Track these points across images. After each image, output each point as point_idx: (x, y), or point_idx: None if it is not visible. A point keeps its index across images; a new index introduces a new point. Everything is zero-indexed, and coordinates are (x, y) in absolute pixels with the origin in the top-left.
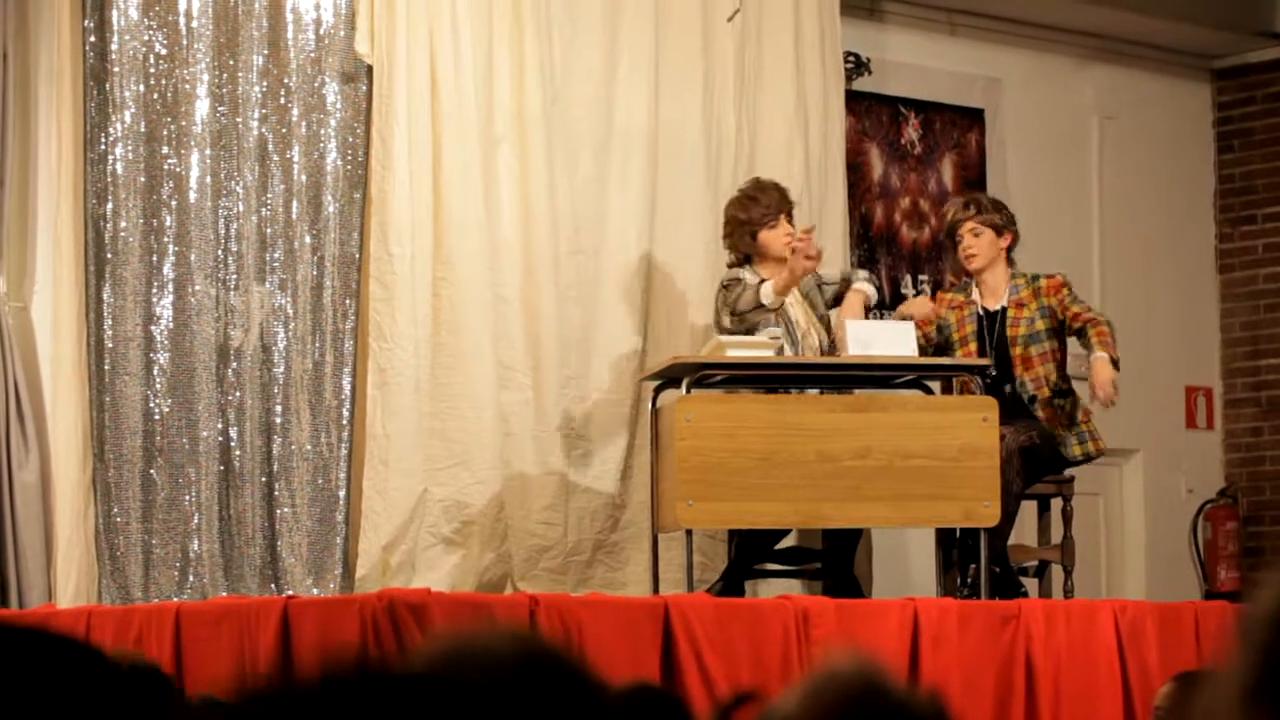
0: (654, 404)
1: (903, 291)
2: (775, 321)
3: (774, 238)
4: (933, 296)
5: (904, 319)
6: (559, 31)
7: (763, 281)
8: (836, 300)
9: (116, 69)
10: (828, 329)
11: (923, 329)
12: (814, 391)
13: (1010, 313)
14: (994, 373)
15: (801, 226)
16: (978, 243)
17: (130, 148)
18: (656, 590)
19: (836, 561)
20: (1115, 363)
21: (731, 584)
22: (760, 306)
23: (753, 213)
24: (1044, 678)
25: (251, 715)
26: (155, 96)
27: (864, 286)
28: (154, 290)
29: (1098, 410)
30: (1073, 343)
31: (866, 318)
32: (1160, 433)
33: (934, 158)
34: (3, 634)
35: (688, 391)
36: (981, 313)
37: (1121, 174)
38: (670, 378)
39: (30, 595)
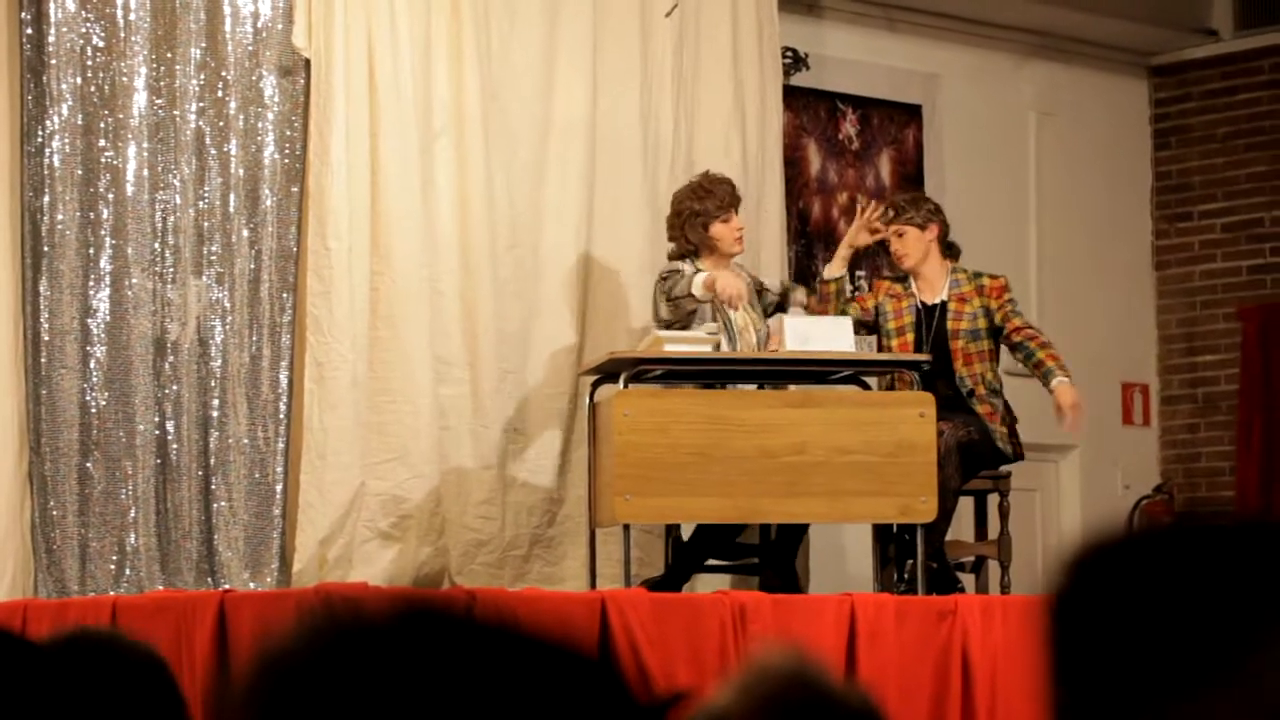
0: (591, 399)
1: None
2: (712, 317)
3: (725, 231)
4: (870, 287)
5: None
6: (497, 25)
7: (698, 272)
8: (773, 310)
9: (53, 61)
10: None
11: (861, 304)
12: (751, 387)
13: (952, 307)
14: (928, 367)
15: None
16: (903, 243)
17: (67, 140)
18: (594, 585)
19: (779, 556)
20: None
21: (673, 579)
22: (690, 295)
23: (707, 204)
24: (980, 673)
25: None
26: (92, 89)
27: (798, 316)
28: (91, 283)
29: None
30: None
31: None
32: (1097, 429)
33: (872, 153)
34: None
35: (625, 386)
36: (920, 306)
37: (1059, 171)
38: (608, 372)
39: None
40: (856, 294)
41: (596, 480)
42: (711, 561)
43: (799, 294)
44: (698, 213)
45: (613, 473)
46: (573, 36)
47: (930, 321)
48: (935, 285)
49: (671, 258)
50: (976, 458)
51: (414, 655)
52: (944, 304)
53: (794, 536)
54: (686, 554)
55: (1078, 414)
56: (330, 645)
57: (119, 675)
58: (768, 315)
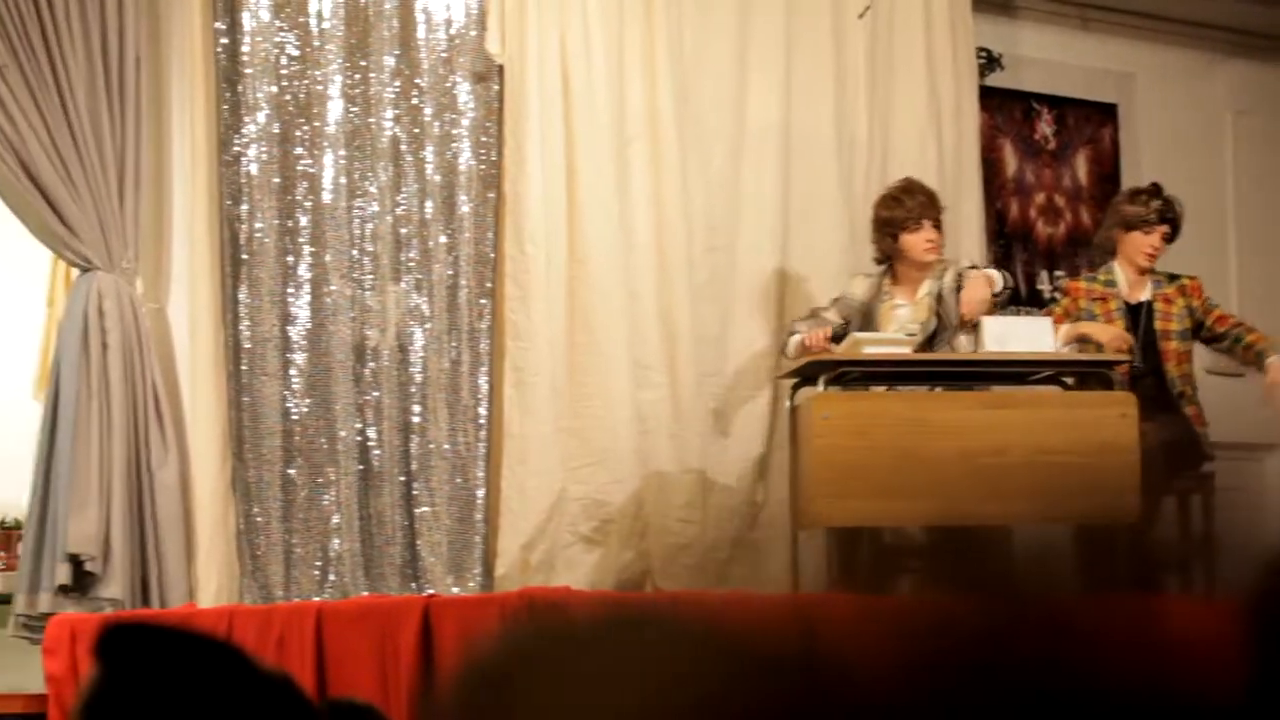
0: (791, 402)
1: (1038, 287)
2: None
3: (914, 241)
4: (1065, 291)
5: (1079, 340)
6: (689, 29)
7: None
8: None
9: (249, 70)
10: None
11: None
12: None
13: (1158, 306)
14: (1140, 366)
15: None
16: (1161, 243)
17: (264, 149)
18: (796, 588)
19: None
20: None
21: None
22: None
23: (896, 212)
24: None
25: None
26: (288, 98)
27: (988, 270)
28: (290, 291)
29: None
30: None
31: (993, 303)
32: None
33: (1068, 153)
34: (148, 634)
35: (825, 389)
36: (1125, 305)
37: (1257, 169)
38: (807, 375)
39: (171, 595)
40: (1054, 307)
41: (797, 483)
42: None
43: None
44: (887, 221)
45: (813, 475)
46: (765, 40)
47: (1137, 321)
48: (1140, 284)
49: (877, 261)
50: (1181, 458)
51: (618, 660)
52: (1149, 304)
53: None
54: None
55: None
56: (534, 652)
57: None
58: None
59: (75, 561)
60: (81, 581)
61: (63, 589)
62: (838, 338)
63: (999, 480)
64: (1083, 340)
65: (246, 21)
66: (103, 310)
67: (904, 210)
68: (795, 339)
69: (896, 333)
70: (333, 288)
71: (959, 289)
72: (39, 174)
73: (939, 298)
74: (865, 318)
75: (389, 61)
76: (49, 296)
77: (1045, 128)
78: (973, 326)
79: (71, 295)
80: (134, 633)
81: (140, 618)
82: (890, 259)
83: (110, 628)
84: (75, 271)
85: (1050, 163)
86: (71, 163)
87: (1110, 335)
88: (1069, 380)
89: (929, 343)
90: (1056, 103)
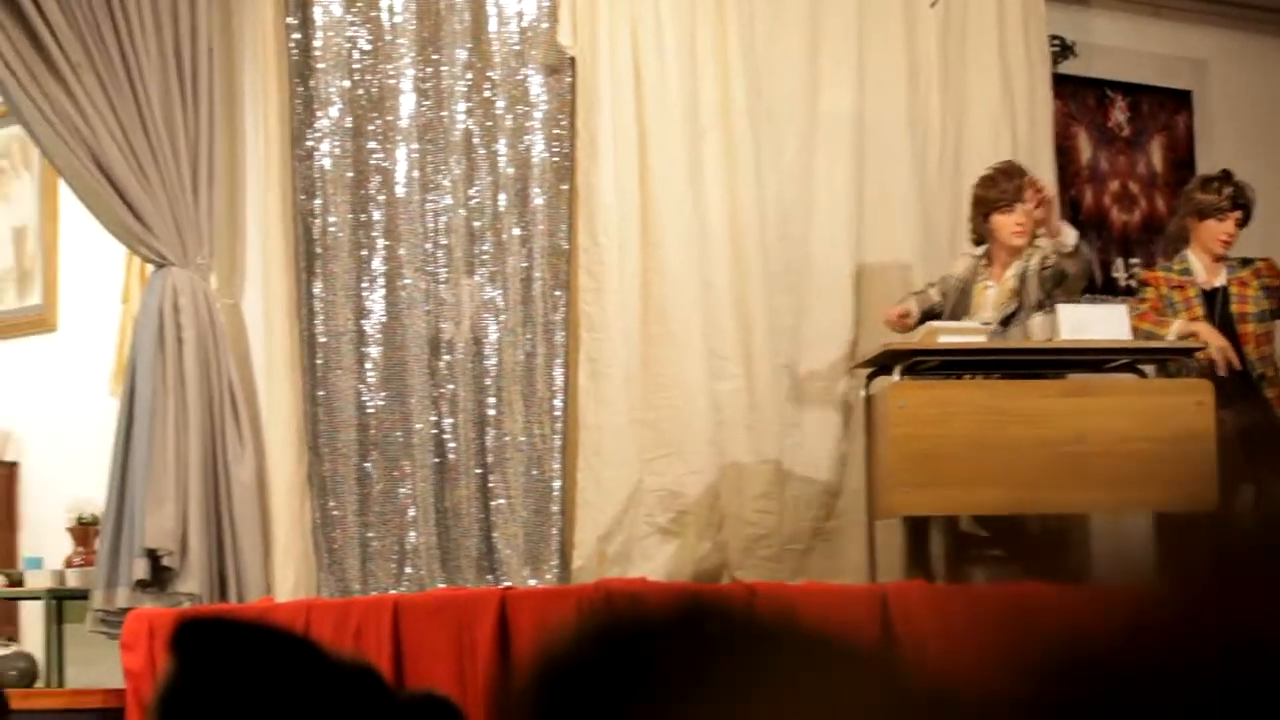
0: (867, 391)
1: (1113, 275)
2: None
3: (1004, 222)
4: (1143, 281)
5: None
6: (762, 20)
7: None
8: (1053, 283)
9: (321, 65)
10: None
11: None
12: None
13: (1234, 290)
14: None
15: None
16: (1235, 230)
17: (337, 143)
18: (874, 578)
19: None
20: None
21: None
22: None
23: (990, 193)
24: None
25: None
26: (360, 92)
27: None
28: (364, 285)
29: None
30: None
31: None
32: None
33: (1143, 140)
34: (222, 629)
35: (900, 378)
36: (1202, 291)
37: None
38: (883, 364)
39: (249, 590)
40: (1142, 301)
41: (874, 472)
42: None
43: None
44: (981, 200)
45: (890, 465)
46: (837, 30)
47: (1213, 307)
48: (1214, 271)
49: (973, 242)
50: (1262, 445)
51: (695, 653)
52: (1224, 289)
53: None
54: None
55: None
56: (611, 644)
57: None
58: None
59: (153, 557)
60: (159, 577)
61: (140, 584)
62: (935, 314)
63: (1076, 468)
64: (1189, 337)
65: (318, 16)
66: (178, 306)
67: (998, 191)
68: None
69: (982, 315)
70: (407, 281)
71: (1043, 269)
72: (113, 171)
73: (1022, 279)
74: (962, 296)
75: (461, 55)
76: (124, 293)
77: (1119, 115)
78: (1048, 306)
79: (147, 292)
80: (208, 628)
81: (216, 613)
82: (984, 239)
83: (185, 623)
84: (150, 268)
85: (1124, 150)
86: (145, 159)
87: (1219, 345)
88: (1146, 368)
89: (1006, 323)
90: (1130, 90)
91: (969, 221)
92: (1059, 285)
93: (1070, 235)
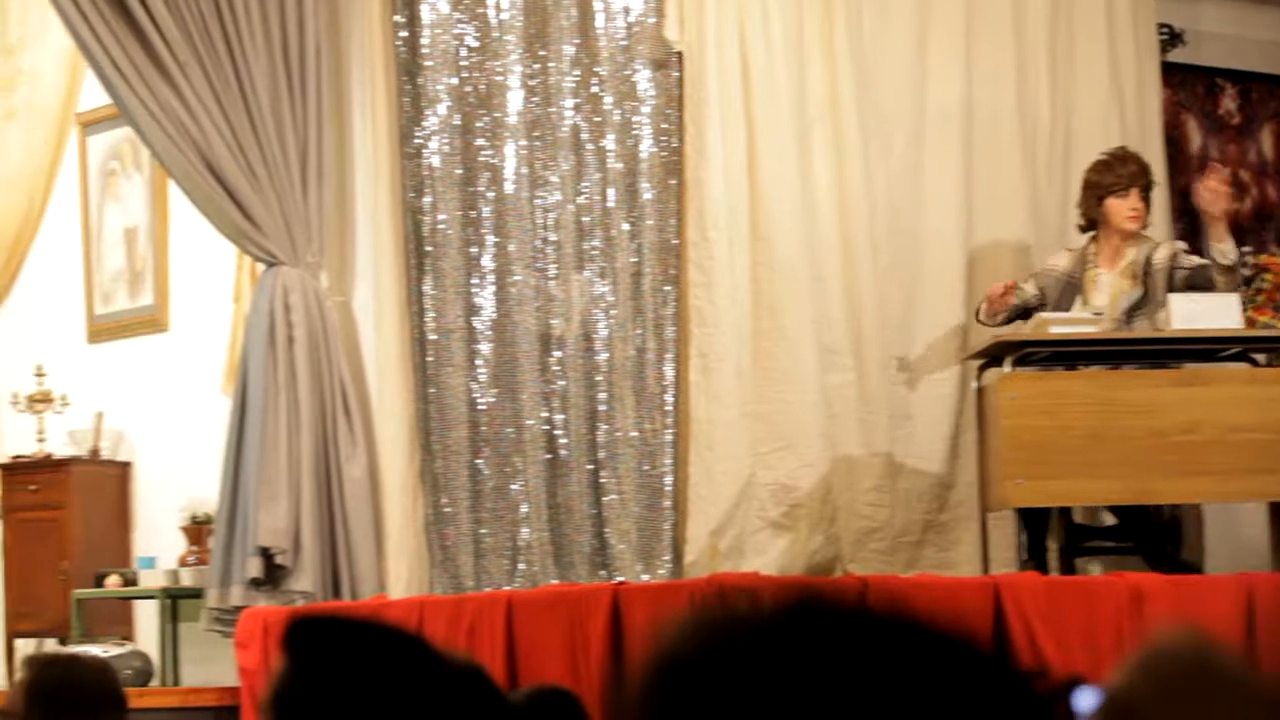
0: (978, 382)
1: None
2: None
3: (1119, 207)
4: (1265, 267)
5: None
6: (869, 12)
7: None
8: (1188, 285)
9: (429, 63)
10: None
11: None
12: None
13: None
14: None
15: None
16: None
17: (445, 140)
18: (986, 570)
19: (1148, 541)
20: None
21: (1063, 561)
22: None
23: (1105, 177)
24: None
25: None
26: (468, 89)
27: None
28: (474, 281)
29: None
30: None
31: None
32: None
33: (1253, 128)
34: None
35: (1011, 369)
36: None
37: None
38: (994, 356)
39: (362, 588)
40: (1259, 291)
41: (986, 464)
42: (1093, 543)
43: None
44: (1095, 185)
45: (1001, 457)
46: (944, 22)
47: None
48: None
49: (1079, 228)
50: None
51: (808, 649)
52: None
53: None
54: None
55: None
56: (724, 640)
57: None
58: (1181, 287)
59: (266, 555)
60: (273, 575)
61: (254, 583)
62: (1028, 311)
63: (1189, 458)
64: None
65: (425, 14)
66: (288, 305)
67: (1113, 175)
68: (984, 304)
69: (1094, 302)
70: (517, 278)
71: (1174, 269)
72: (223, 170)
73: (1146, 270)
74: (1069, 288)
75: (568, 51)
76: (235, 292)
77: (1229, 103)
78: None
79: (257, 291)
80: (321, 626)
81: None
82: (1094, 224)
83: (298, 622)
84: (260, 267)
85: (1235, 138)
86: (255, 158)
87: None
88: (1258, 357)
89: (1131, 312)
90: (1240, 77)
91: (1078, 206)
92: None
93: (1231, 250)
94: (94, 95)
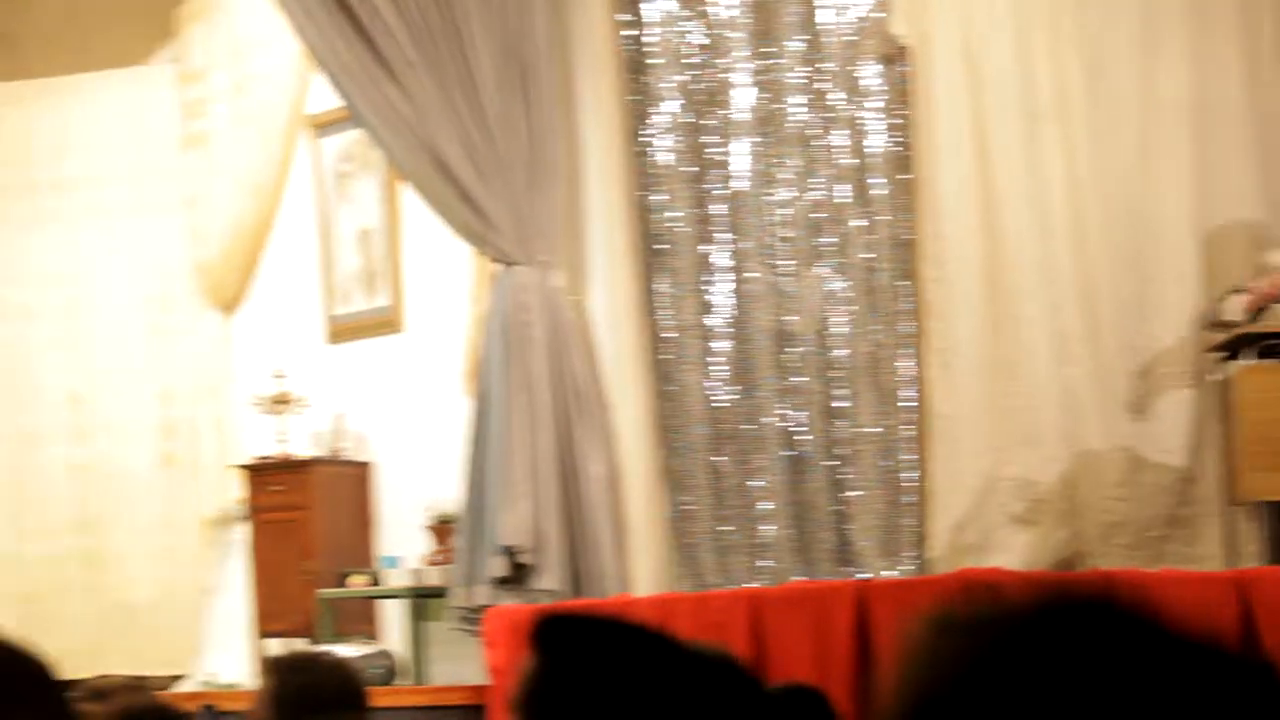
0: (1222, 375)
1: None
2: None
3: None
4: None
5: None
6: (1096, 4)
7: None
8: None
9: (655, 61)
10: None
11: None
12: None
13: None
14: None
15: None
16: None
17: (674, 138)
18: (1232, 564)
19: None
20: None
21: None
22: None
23: None
24: None
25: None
26: (696, 87)
27: None
28: (707, 279)
29: None
30: None
31: None
32: None
33: None
34: (582, 624)
35: (1254, 361)
36: None
37: None
38: (1236, 348)
39: (606, 585)
40: None
41: (1230, 457)
42: None
43: None
44: None
45: (1245, 450)
46: (1172, 12)
47: None
48: None
49: None
50: None
51: (1058, 647)
52: None
53: None
54: None
55: None
56: (983, 645)
57: None
58: None
59: (509, 554)
60: (518, 574)
61: (500, 581)
62: None
63: None
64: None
65: (649, 13)
66: (525, 304)
67: None
68: (1241, 298)
69: None
70: (750, 275)
71: None
72: (453, 169)
73: None
74: None
75: (794, 47)
76: (473, 293)
77: None
78: None
79: (494, 291)
80: (569, 624)
81: (576, 609)
82: None
83: (546, 619)
84: (497, 267)
85: None
86: (485, 157)
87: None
88: None
89: None
90: None
91: None
92: None
93: None
94: (324, 98)
